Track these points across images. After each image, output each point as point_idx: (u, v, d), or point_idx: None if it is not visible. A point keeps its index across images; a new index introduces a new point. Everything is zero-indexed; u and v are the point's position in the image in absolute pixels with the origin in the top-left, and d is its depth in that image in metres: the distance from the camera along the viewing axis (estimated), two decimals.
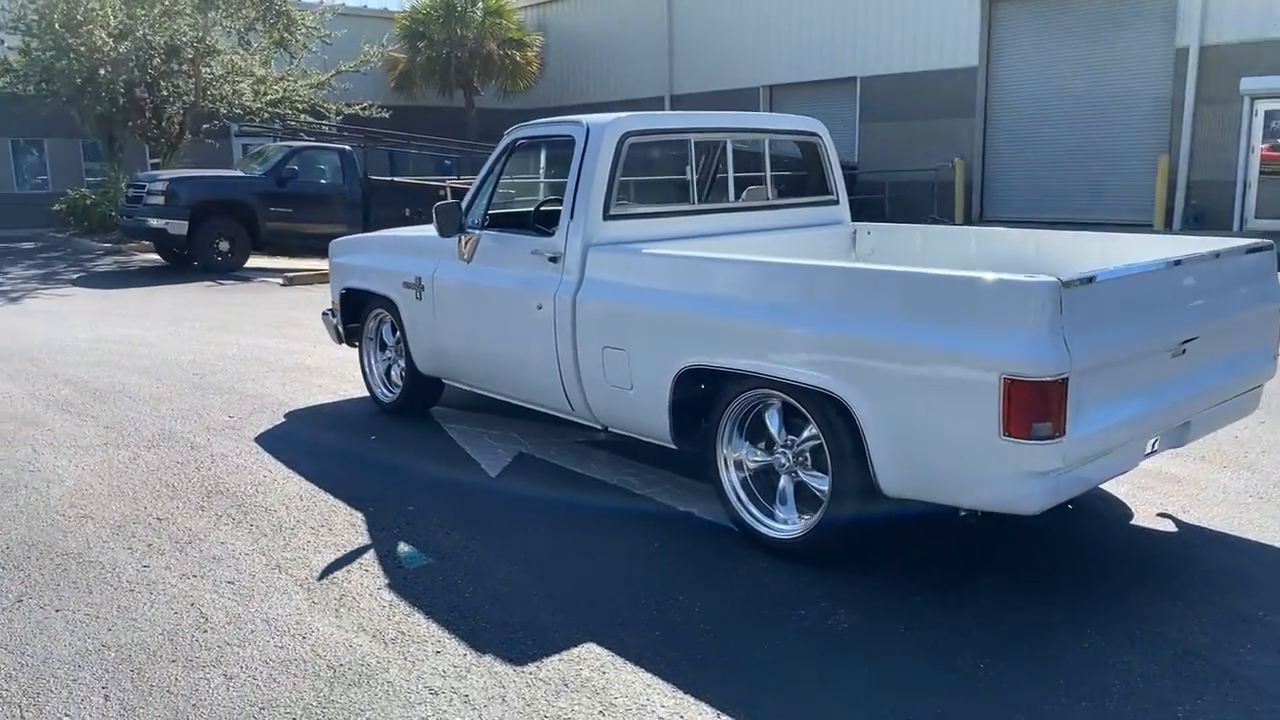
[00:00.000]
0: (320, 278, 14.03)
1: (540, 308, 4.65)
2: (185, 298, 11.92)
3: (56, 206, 20.63)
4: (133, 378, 7.19)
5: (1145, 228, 17.64)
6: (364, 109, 22.32)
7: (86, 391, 6.78)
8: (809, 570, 3.72)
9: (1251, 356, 4.03)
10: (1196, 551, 3.94)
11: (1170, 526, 4.20)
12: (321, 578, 3.73)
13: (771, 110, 25.27)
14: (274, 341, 8.64)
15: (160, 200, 13.78)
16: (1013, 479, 3.09)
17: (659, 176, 6.33)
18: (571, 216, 4.56)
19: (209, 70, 19.75)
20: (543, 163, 9.57)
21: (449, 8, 26.63)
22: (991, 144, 21.27)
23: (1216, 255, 3.82)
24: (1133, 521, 4.26)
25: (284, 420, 6.00)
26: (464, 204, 5.18)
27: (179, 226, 13.75)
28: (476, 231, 5.10)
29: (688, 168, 4.98)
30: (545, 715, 2.80)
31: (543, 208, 5.23)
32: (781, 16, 24.12)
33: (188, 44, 18.74)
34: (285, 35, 20.07)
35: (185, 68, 19.41)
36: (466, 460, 5.16)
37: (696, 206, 5.06)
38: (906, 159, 21.95)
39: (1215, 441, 5.28)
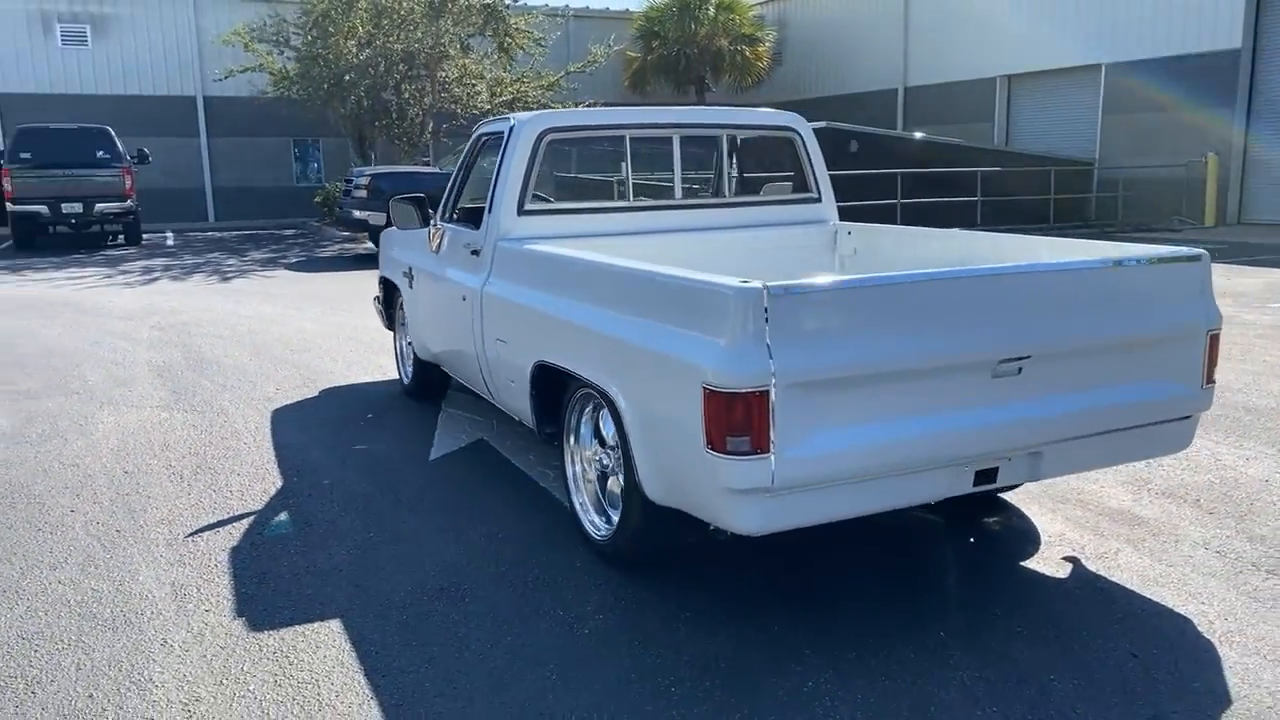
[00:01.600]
0: None
1: (464, 299, 4.81)
2: (365, 283, 13.05)
3: (316, 198, 23.14)
4: (238, 351, 8.08)
5: None
6: (589, 106, 23.36)
7: (192, 360, 7.71)
8: (613, 574, 3.65)
9: (1162, 384, 3.46)
10: (1061, 607, 3.44)
11: (1064, 572, 3.70)
12: (192, 535, 4.12)
13: (1009, 102, 23.71)
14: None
15: (364, 194, 15.16)
16: (722, 495, 2.89)
17: (606, 175, 6.25)
18: (490, 211, 4.68)
19: (443, 74, 21.39)
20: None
21: (684, 6, 27.09)
22: (1254, 137, 18.75)
23: (1077, 267, 3.34)
24: (1026, 561, 3.79)
25: (316, 395, 6.54)
26: (444, 197, 5.43)
27: (378, 218, 15.03)
28: (443, 224, 5.34)
29: (623, 165, 4.93)
30: (225, 674, 2.99)
31: None
32: (1021, 3, 22.48)
33: (421, 51, 20.39)
34: (506, 40, 21.38)
35: (422, 72, 21.15)
36: (423, 442, 5.41)
37: (631, 204, 5.00)
38: (1152, 154, 19.85)
39: (1234, 482, 4.55)
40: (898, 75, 26.48)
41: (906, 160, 18.49)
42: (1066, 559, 3.80)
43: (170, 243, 19.96)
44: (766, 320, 2.76)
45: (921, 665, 3.00)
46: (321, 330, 9.08)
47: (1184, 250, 3.54)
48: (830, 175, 5.34)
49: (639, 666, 3.02)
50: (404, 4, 19.92)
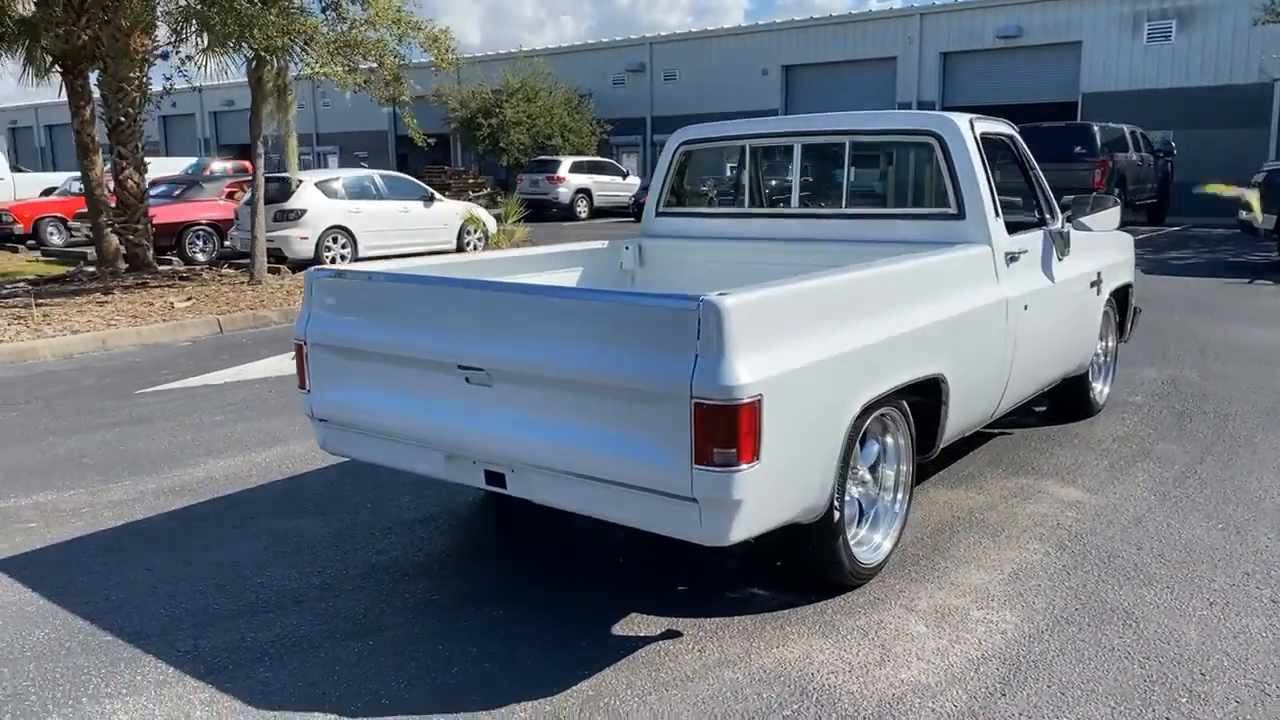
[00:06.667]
0: None
1: None
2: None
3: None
4: None
5: None
6: None
7: None
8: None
9: (641, 444, 2.94)
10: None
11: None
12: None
13: None
14: None
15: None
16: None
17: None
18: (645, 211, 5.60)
19: None
20: None
21: None
22: None
23: (532, 292, 3.18)
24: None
25: None
26: None
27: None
28: None
29: (743, 172, 5.12)
30: None
31: None
32: None
33: None
34: None
35: None
36: None
37: (745, 210, 5.12)
38: None
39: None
40: None
41: None
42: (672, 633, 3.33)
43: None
44: (311, 295, 3.83)
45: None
46: None
47: (675, 299, 2.85)
48: None
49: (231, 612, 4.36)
50: None
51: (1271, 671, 3.02)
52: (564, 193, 27.94)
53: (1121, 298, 6.20)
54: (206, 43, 12.77)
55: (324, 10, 11.65)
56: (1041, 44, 27.58)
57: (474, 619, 3.47)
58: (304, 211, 14.90)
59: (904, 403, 3.76)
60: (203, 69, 13.35)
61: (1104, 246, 5.74)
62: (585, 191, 28.70)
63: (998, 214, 4.44)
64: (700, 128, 5.38)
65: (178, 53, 12.30)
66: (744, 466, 2.83)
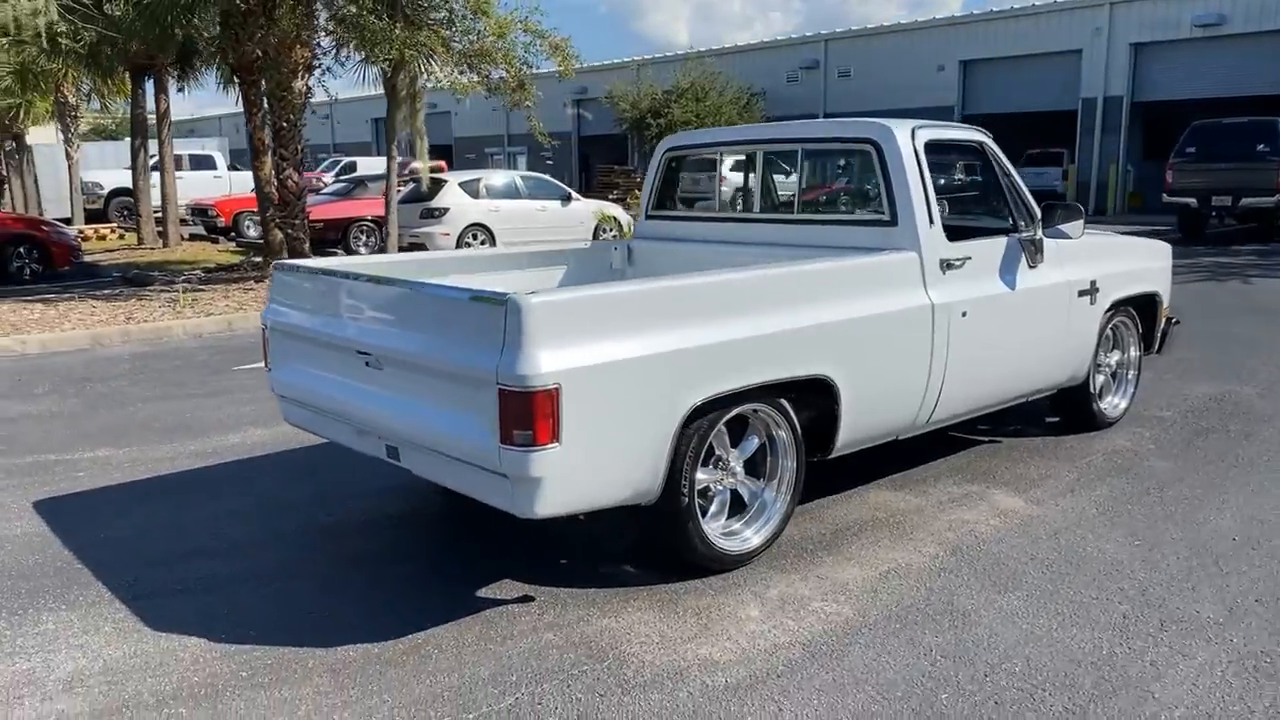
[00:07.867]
0: None
1: None
2: None
3: None
4: None
5: None
6: None
7: None
8: None
9: (466, 422, 3.32)
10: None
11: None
12: None
13: None
14: None
15: None
16: None
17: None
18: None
19: None
20: None
21: None
22: None
23: (403, 286, 3.63)
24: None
25: None
26: None
27: None
28: None
29: (716, 178, 5.32)
30: None
31: None
32: None
33: None
34: None
35: None
36: None
37: (716, 214, 5.32)
38: None
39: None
40: None
41: None
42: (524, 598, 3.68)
43: None
44: (273, 284, 4.42)
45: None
46: None
47: (490, 296, 3.19)
48: None
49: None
50: None
51: (1055, 677, 3.04)
52: (724, 191, 28.18)
53: (1145, 308, 5.95)
54: (364, 55, 13.99)
55: (448, 25, 12.51)
56: (1246, 32, 25.37)
57: (365, 574, 3.94)
58: (446, 210, 15.97)
59: (782, 401, 3.93)
60: (361, 77, 14.65)
61: (1108, 254, 5.56)
62: None
63: (932, 221, 4.48)
64: (684, 135, 5.66)
65: (319, 64, 13.51)
66: (543, 447, 3.15)
